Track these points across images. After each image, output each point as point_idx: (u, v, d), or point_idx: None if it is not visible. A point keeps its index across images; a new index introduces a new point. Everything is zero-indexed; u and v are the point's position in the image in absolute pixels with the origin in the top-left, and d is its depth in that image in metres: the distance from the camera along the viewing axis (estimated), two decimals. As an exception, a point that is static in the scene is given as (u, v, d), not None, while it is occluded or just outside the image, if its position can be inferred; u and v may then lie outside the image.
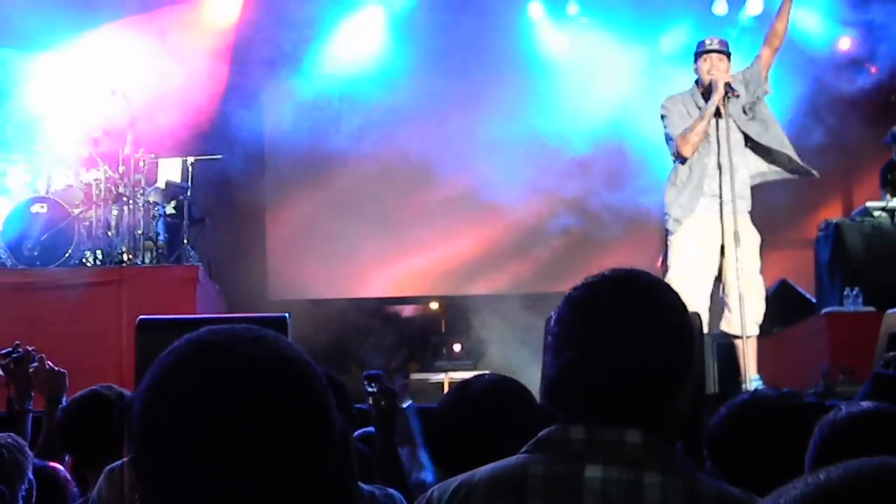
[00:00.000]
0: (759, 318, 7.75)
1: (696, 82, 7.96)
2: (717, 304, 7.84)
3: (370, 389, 4.43)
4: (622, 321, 1.97)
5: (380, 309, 13.61)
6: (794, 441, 2.58)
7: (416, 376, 13.49)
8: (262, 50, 12.86)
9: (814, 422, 2.54)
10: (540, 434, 1.98)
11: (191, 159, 11.23)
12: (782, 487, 1.00)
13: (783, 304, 10.43)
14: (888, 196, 10.06)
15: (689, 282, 7.49)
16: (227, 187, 12.24)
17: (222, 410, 1.39)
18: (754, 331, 7.67)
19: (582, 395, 1.94)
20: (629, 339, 1.95)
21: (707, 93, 7.80)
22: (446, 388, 12.30)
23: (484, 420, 2.82)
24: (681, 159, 7.80)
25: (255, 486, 1.39)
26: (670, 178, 7.92)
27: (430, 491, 2.08)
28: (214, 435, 1.39)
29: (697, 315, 6.74)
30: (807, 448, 2.48)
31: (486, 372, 3.02)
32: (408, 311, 14.24)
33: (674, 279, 7.58)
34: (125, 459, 3.16)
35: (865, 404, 2.56)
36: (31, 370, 4.70)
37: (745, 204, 7.79)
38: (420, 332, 14.14)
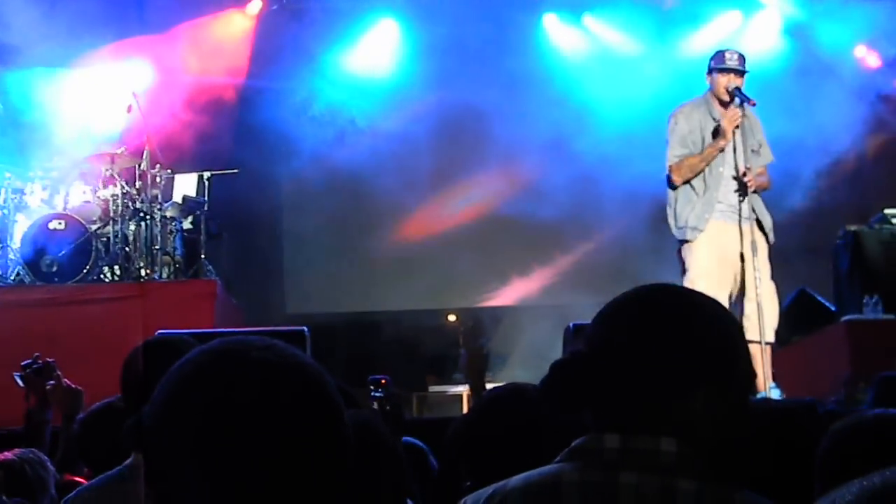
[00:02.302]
0: (776, 324, 7.75)
1: (710, 91, 7.96)
2: (733, 312, 7.82)
3: (375, 395, 4.40)
4: (632, 325, 1.96)
5: (397, 322, 13.60)
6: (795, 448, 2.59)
7: (434, 388, 13.50)
8: (278, 64, 12.90)
9: (810, 429, 2.54)
10: (573, 443, 1.97)
11: (207, 174, 11.25)
12: (833, 492, 1.01)
13: (802, 313, 10.39)
14: None
15: (707, 292, 7.52)
16: (243, 202, 12.25)
17: (241, 415, 1.42)
18: (772, 337, 7.66)
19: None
20: (632, 337, 1.94)
21: (724, 105, 7.82)
22: (465, 401, 12.30)
23: (512, 428, 2.79)
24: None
25: (272, 488, 1.41)
26: (682, 188, 7.92)
27: (462, 501, 2.07)
28: (234, 439, 1.41)
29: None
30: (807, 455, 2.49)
31: (514, 382, 2.99)
32: (425, 323, 14.22)
33: (693, 286, 7.60)
34: (114, 472, 3.12)
35: (871, 412, 2.57)
36: (48, 387, 4.72)
37: (755, 209, 7.80)
38: (438, 345, 14.13)
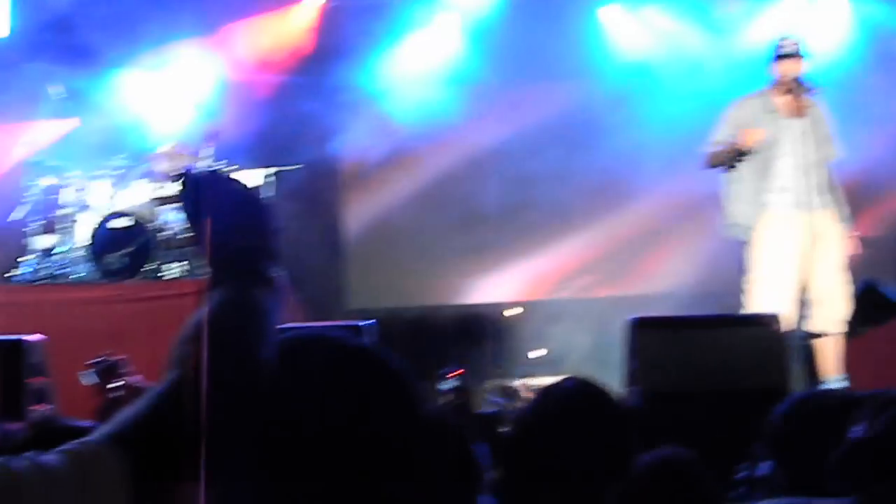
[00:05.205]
0: (844, 315, 7.65)
1: (773, 82, 7.93)
2: (803, 302, 7.74)
3: (444, 387, 4.43)
4: None
5: (461, 316, 13.58)
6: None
7: (495, 382, 13.47)
8: (337, 56, 12.91)
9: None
10: None
11: (272, 170, 11.24)
12: None
13: (871, 304, 10.24)
14: None
15: (771, 281, 7.48)
16: (303, 195, 12.28)
17: (317, 401, 1.41)
18: (837, 328, 7.56)
19: None
20: None
21: (786, 92, 7.77)
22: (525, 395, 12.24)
23: (565, 426, 2.75)
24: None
25: (345, 477, 1.40)
26: (739, 176, 7.84)
27: None
28: (305, 432, 1.39)
29: (775, 317, 6.64)
30: None
31: (567, 377, 2.94)
32: (488, 316, 14.18)
33: (756, 280, 7.57)
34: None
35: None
36: (117, 385, 4.74)
37: (826, 199, 7.70)
38: (499, 338, 14.09)
